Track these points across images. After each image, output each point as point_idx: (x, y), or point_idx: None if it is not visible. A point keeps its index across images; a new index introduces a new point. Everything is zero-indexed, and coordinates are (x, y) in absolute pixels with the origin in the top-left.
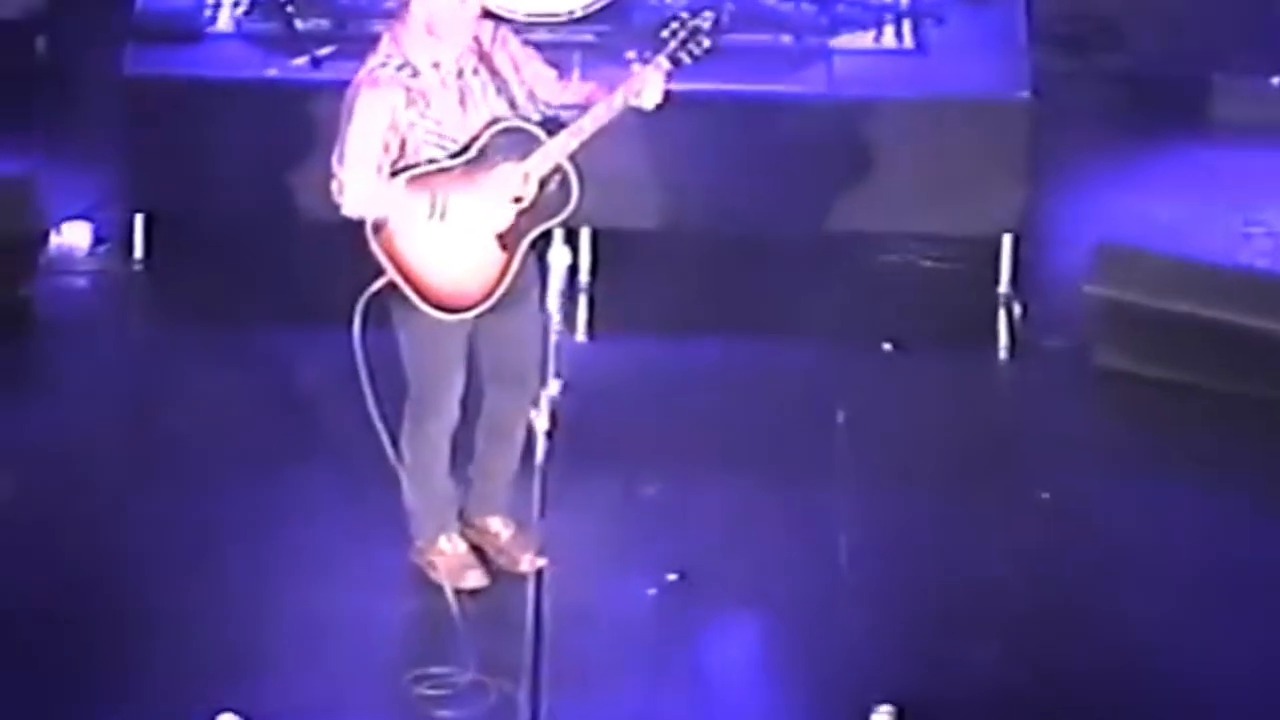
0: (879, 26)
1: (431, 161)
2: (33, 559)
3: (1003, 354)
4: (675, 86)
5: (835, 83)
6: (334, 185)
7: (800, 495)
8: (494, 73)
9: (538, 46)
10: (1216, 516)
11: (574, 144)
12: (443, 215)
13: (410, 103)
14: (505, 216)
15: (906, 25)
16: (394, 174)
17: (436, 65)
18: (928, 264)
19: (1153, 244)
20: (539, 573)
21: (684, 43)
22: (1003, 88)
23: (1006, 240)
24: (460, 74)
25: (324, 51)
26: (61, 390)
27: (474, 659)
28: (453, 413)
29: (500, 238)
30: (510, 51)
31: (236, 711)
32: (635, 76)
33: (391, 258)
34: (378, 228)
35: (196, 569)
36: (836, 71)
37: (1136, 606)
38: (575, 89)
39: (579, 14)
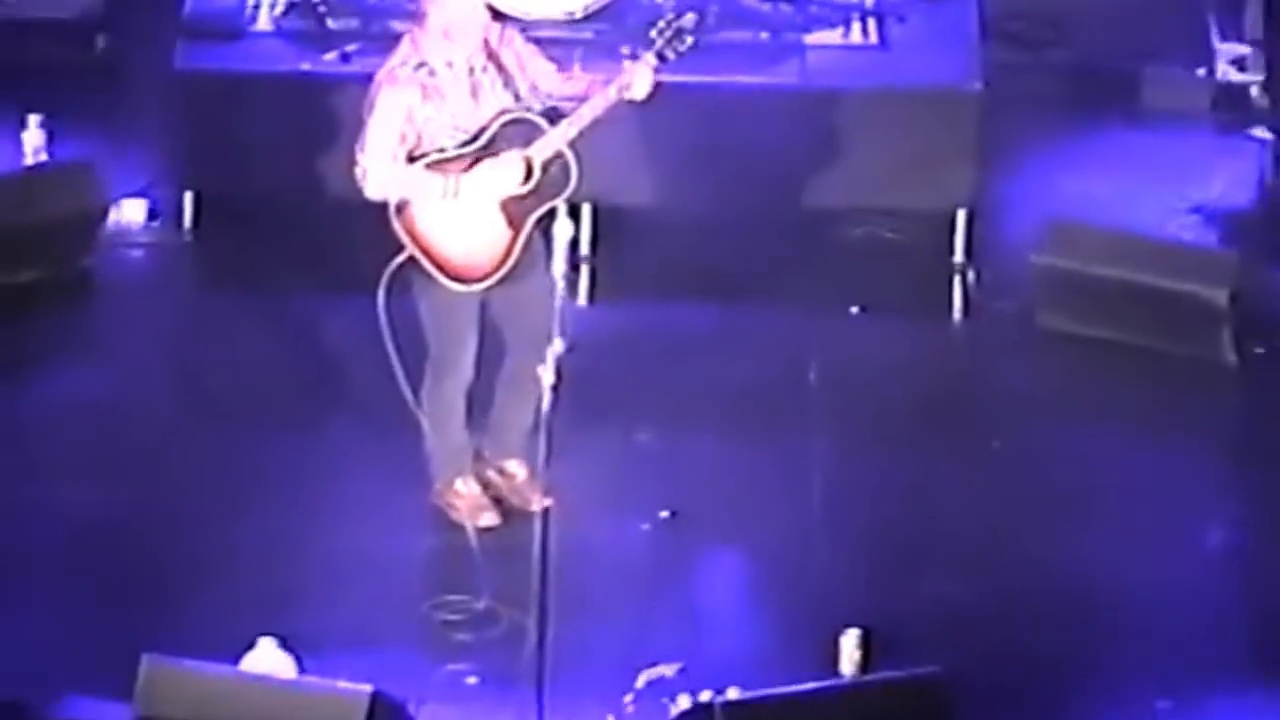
0: (847, 24)
1: (444, 149)
2: (92, 503)
3: (957, 316)
4: (667, 78)
5: (808, 75)
6: (358, 171)
7: (778, 442)
8: (501, 69)
9: (543, 44)
10: (1149, 460)
11: (573, 132)
12: (455, 197)
13: (426, 98)
14: (512, 197)
15: (872, 23)
16: (411, 160)
17: (450, 64)
18: (890, 236)
19: (1092, 218)
20: (545, 511)
21: (669, 40)
22: (957, 79)
23: (961, 215)
24: (471, 71)
25: (352, 48)
26: (119, 349)
27: (488, 589)
28: (468, 371)
29: (508, 216)
30: (516, 49)
31: (275, 636)
32: (626, 71)
33: (411, 236)
34: (399, 209)
35: (239, 509)
36: (809, 65)
37: (1076, 540)
38: (574, 82)
39: (579, 15)
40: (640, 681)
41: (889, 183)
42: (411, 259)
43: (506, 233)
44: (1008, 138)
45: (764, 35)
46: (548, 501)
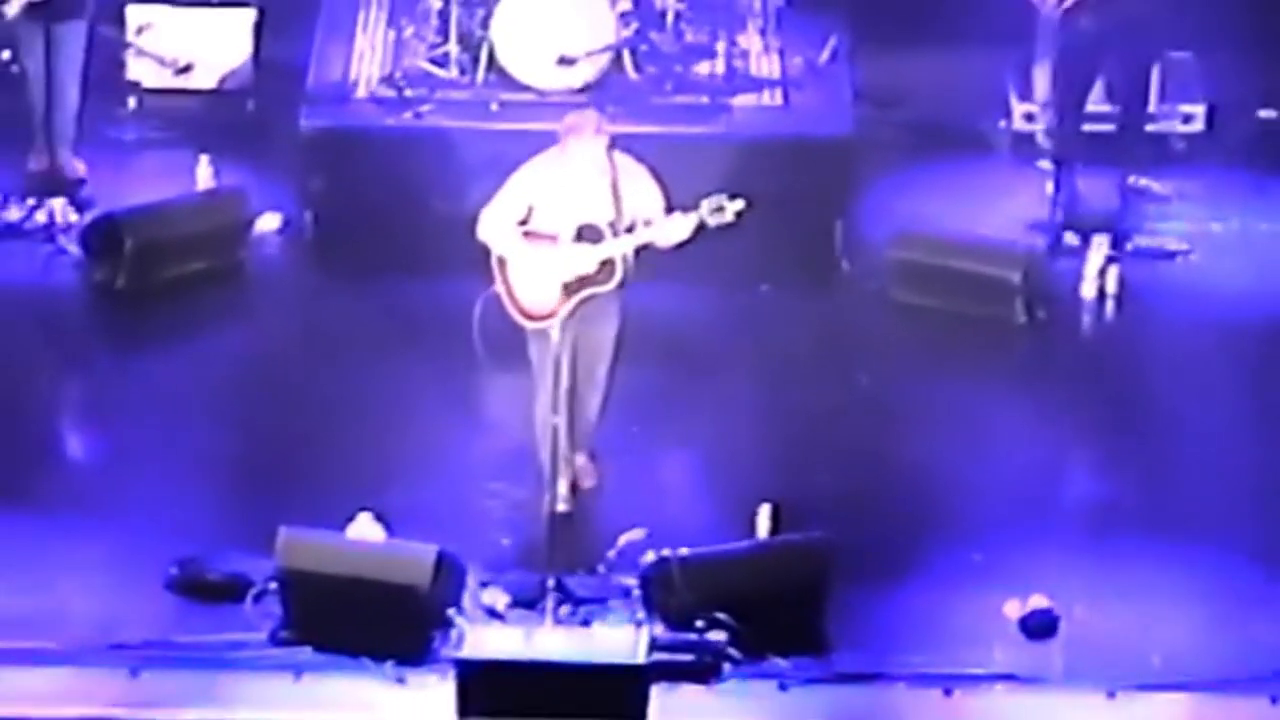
0: (760, 91)
1: (541, 226)
2: (244, 424)
3: (837, 292)
4: (639, 129)
5: (734, 127)
6: (481, 214)
7: (712, 378)
8: (613, 182)
9: (554, 107)
10: (966, 389)
11: (630, 246)
12: (536, 261)
13: (548, 190)
14: (574, 276)
15: (778, 91)
16: (522, 222)
17: (575, 169)
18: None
19: (930, 227)
20: (554, 428)
21: (713, 212)
22: (836, 130)
23: (839, 224)
24: (588, 177)
25: (424, 109)
26: (263, 318)
27: (520, 479)
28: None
29: (564, 288)
30: (632, 173)
31: (370, 511)
32: (675, 218)
33: (501, 276)
34: (500, 259)
35: (346, 426)
36: (735, 119)
37: (918, 446)
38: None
39: (578, 87)
40: (620, 541)
41: (788, 201)
42: (496, 291)
43: (561, 296)
44: (871, 171)
45: (704, 99)
46: (592, 482)
